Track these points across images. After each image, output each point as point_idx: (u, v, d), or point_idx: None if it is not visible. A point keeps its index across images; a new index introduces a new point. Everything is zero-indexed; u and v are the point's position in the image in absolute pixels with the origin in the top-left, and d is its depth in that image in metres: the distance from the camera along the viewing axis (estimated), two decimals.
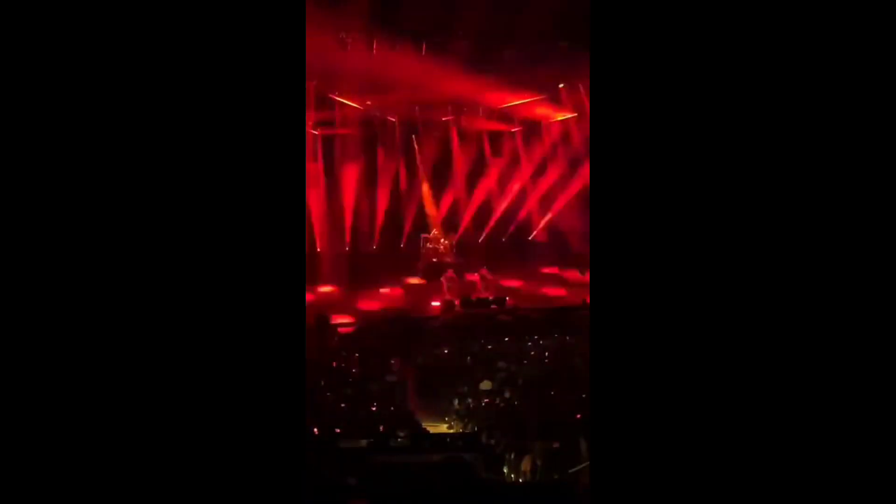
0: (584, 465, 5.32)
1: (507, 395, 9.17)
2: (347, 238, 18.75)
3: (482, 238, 19.34)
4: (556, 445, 6.10)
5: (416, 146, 19.09)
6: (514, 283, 17.34)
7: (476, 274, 16.99)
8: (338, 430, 7.27)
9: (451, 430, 8.80)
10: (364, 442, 6.41)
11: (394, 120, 18.67)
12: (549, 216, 19.45)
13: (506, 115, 19.07)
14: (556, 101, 18.52)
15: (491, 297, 16.10)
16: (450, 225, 19.32)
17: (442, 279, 17.11)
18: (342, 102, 17.46)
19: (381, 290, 17.11)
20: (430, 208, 19.25)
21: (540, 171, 19.51)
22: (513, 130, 19.74)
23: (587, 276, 17.25)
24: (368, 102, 18.08)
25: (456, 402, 9.52)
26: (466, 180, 19.50)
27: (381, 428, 7.50)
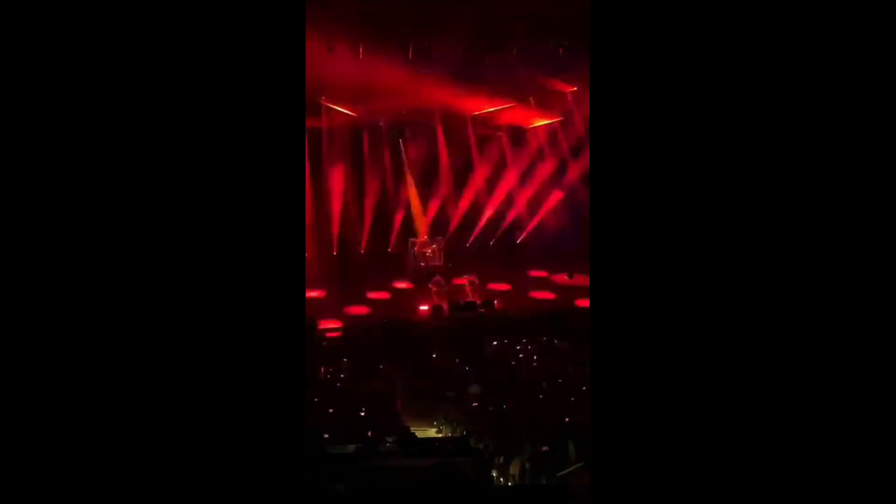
0: (572, 468, 5.32)
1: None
2: (335, 243, 18.69)
3: (470, 242, 19.33)
4: (544, 449, 6.10)
5: (403, 150, 19.07)
6: (502, 287, 17.33)
7: (464, 278, 16.97)
8: (326, 436, 7.23)
9: (440, 435, 8.78)
10: (352, 447, 6.38)
11: (381, 124, 18.65)
12: (536, 219, 19.48)
13: (491, 120, 19.10)
14: (541, 104, 18.58)
15: (479, 301, 16.09)
16: (437, 229, 19.30)
17: (430, 283, 17.10)
18: (329, 107, 17.43)
19: (369, 295, 17.06)
20: (417, 212, 19.23)
21: (526, 174, 19.54)
22: (498, 134, 19.77)
23: (575, 280, 17.35)
24: (355, 108, 18.05)
25: (444, 405, 9.50)
26: (454, 184, 19.49)
27: (369, 433, 7.48)
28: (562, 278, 17.90)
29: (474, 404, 9.24)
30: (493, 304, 16.07)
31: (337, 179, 18.53)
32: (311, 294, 16.37)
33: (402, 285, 18.10)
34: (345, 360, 12.32)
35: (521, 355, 12.57)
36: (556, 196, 19.15)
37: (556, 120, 18.59)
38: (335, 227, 18.69)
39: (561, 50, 15.28)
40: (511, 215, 19.51)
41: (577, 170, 18.68)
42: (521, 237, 19.68)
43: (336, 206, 18.65)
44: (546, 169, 19.37)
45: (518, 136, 19.62)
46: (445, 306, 15.87)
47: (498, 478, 5.95)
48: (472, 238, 19.19)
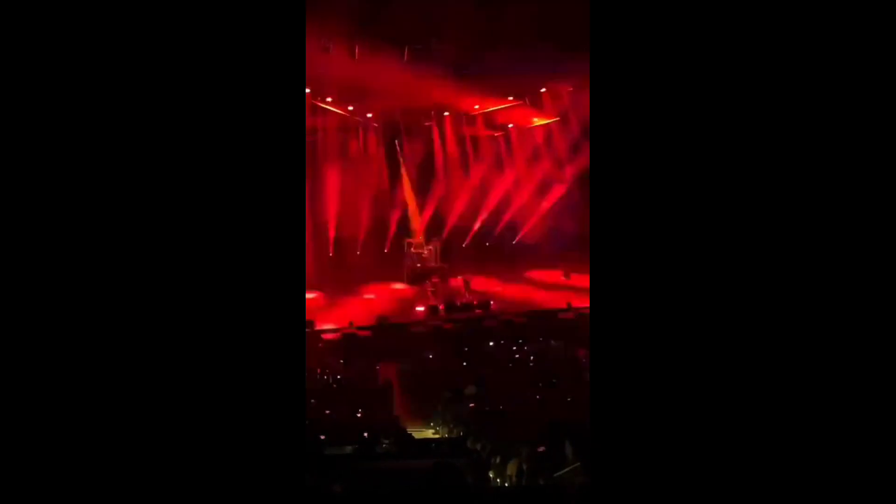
0: (570, 468, 5.32)
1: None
2: (331, 244, 18.68)
3: (466, 243, 19.33)
4: (541, 449, 6.09)
5: (399, 151, 19.08)
6: (498, 288, 17.34)
7: (460, 279, 16.99)
8: (322, 437, 7.21)
9: (437, 436, 8.77)
10: (349, 448, 6.37)
11: (376, 125, 18.65)
12: (532, 220, 19.51)
13: (489, 120, 19.13)
14: (537, 105, 18.62)
15: (475, 302, 16.11)
16: (434, 230, 19.30)
17: (426, 284, 17.10)
18: (324, 108, 17.41)
19: (366, 296, 17.05)
20: (413, 213, 19.22)
21: (523, 175, 19.57)
22: (496, 135, 19.80)
23: (571, 280, 17.39)
24: (351, 108, 18.06)
25: (441, 407, 9.49)
26: (450, 185, 19.50)
27: (365, 434, 7.46)
28: (558, 278, 17.95)
29: (471, 405, 9.23)
30: (490, 304, 16.09)
31: (332, 181, 18.50)
32: (308, 295, 16.40)
33: (398, 287, 18.10)
34: (341, 360, 12.30)
35: (517, 356, 12.58)
36: (552, 196, 19.18)
37: (555, 119, 18.63)
38: (331, 229, 18.68)
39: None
40: (509, 215, 19.55)
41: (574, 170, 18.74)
42: (519, 237, 19.72)
43: (332, 208, 18.62)
44: (543, 169, 19.41)
45: (517, 135, 19.66)
46: (442, 307, 15.88)
47: (495, 478, 5.95)
48: (468, 239, 19.21)
